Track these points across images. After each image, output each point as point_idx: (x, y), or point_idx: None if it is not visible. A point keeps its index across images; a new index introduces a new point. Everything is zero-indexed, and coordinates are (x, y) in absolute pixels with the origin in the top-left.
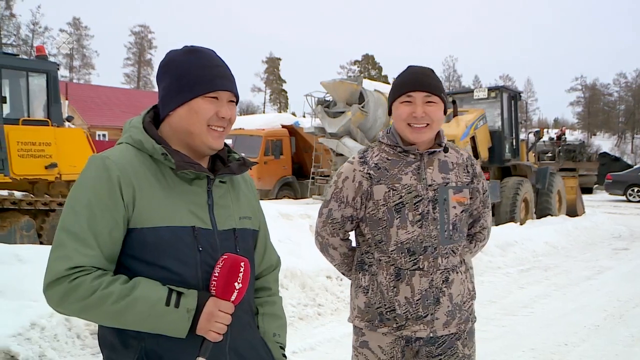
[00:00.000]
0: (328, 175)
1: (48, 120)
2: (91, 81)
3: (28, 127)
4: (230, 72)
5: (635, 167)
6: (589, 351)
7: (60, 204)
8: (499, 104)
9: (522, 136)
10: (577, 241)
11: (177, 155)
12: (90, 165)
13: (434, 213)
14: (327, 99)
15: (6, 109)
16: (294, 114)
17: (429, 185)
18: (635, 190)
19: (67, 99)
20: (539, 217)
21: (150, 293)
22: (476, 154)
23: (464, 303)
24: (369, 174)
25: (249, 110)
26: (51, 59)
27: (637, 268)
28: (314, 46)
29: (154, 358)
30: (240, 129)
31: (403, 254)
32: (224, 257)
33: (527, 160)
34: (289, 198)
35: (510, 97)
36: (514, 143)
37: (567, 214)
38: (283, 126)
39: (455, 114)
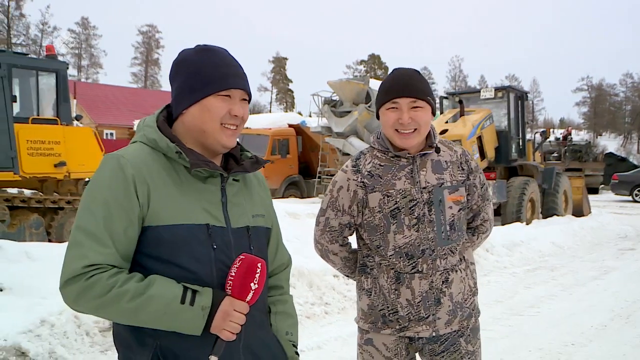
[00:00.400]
0: (334, 175)
1: (57, 119)
2: (99, 80)
3: (37, 126)
4: (243, 71)
5: None
6: (596, 351)
7: (69, 202)
8: (506, 104)
9: (528, 136)
10: (583, 241)
11: (191, 153)
12: (105, 164)
13: (430, 215)
14: (333, 98)
15: (16, 107)
16: (300, 113)
17: (424, 188)
18: None
19: (75, 98)
20: (545, 217)
21: (166, 291)
22: (483, 154)
23: (465, 300)
24: (363, 182)
25: (255, 110)
26: (60, 58)
27: None
28: (320, 46)
29: (169, 356)
30: (247, 128)
31: (401, 258)
32: (241, 257)
33: (534, 160)
34: (295, 197)
35: (517, 97)
36: (521, 143)
37: (573, 214)
38: (290, 125)
39: (462, 114)
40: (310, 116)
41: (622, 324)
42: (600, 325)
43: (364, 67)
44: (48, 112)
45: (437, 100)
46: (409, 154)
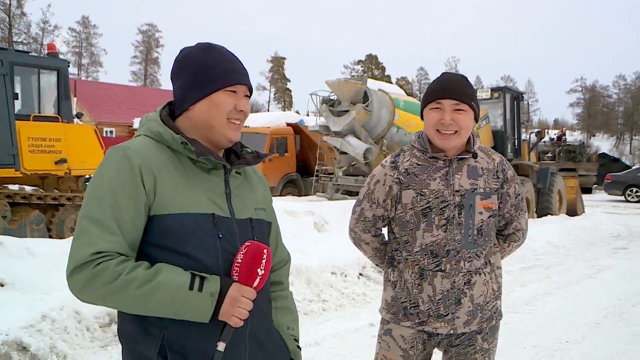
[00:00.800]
0: (332, 173)
1: (58, 116)
2: (99, 79)
3: (39, 123)
4: (245, 67)
5: (633, 168)
6: (589, 349)
7: (70, 199)
8: (502, 104)
9: (523, 136)
10: (577, 240)
11: (196, 143)
12: (112, 155)
13: (459, 218)
14: (331, 97)
15: (18, 105)
16: (297, 112)
17: (456, 191)
18: (634, 190)
19: (75, 96)
20: (539, 216)
21: (174, 278)
22: None
23: (487, 303)
24: (399, 179)
25: (253, 109)
26: (60, 57)
27: (636, 267)
28: (318, 46)
29: (176, 345)
30: (245, 126)
31: (426, 256)
32: (247, 244)
33: (529, 160)
34: (293, 195)
35: (512, 98)
36: (516, 143)
37: (567, 214)
38: (288, 124)
39: None
40: (308, 115)
41: (615, 322)
42: (594, 322)
43: (362, 67)
44: (49, 109)
45: None
46: (445, 156)
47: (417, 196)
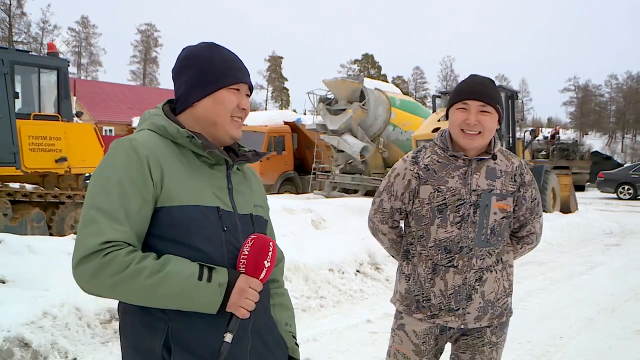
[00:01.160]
0: (329, 171)
1: (58, 115)
2: (98, 78)
3: (39, 122)
4: (246, 66)
5: (625, 165)
6: (583, 344)
7: (70, 197)
8: None
9: (518, 134)
10: (570, 237)
11: (202, 137)
12: (117, 146)
13: (474, 217)
14: (328, 96)
15: (18, 104)
16: (295, 111)
17: (473, 190)
18: (626, 188)
19: (75, 95)
20: None
21: (183, 268)
22: None
23: (498, 300)
24: (418, 174)
25: (251, 108)
26: (60, 56)
27: (628, 263)
28: (315, 45)
29: (181, 338)
30: (243, 125)
31: (440, 251)
32: (253, 236)
33: (523, 158)
34: (291, 193)
35: (507, 97)
36: (511, 141)
37: (560, 211)
38: (285, 123)
39: None
40: (305, 114)
41: (608, 317)
42: (587, 318)
43: (358, 66)
44: (49, 108)
45: (430, 99)
46: (465, 156)
47: (434, 192)
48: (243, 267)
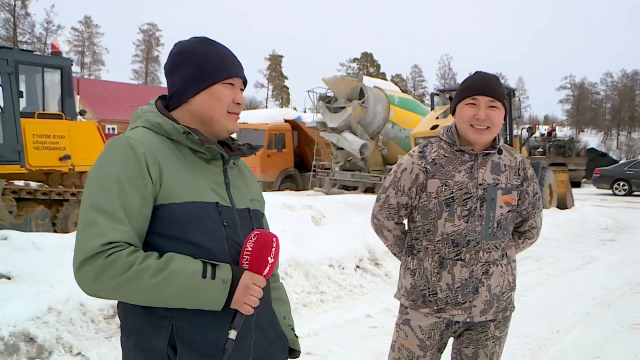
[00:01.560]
0: (329, 168)
1: (62, 114)
2: (101, 77)
3: (43, 121)
4: (239, 60)
5: (621, 162)
6: (580, 337)
7: (74, 194)
8: None
9: (515, 132)
10: (567, 233)
11: (198, 133)
12: (114, 145)
13: (481, 210)
14: (328, 94)
15: (22, 103)
16: (295, 109)
17: (480, 184)
18: (621, 184)
19: (78, 94)
20: None
21: (186, 266)
22: None
23: (503, 294)
24: (426, 168)
25: (252, 106)
26: (64, 55)
27: (624, 258)
28: (314, 44)
29: (185, 336)
30: (244, 123)
31: (447, 245)
32: (256, 232)
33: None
34: (291, 190)
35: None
36: (508, 138)
37: (557, 207)
38: (286, 120)
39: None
40: (305, 112)
41: (604, 311)
42: (584, 312)
43: (357, 64)
44: (53, 107)
45: (428, 97)
46: (472, 150)
47: (442, 186)
48: (246, 264)
